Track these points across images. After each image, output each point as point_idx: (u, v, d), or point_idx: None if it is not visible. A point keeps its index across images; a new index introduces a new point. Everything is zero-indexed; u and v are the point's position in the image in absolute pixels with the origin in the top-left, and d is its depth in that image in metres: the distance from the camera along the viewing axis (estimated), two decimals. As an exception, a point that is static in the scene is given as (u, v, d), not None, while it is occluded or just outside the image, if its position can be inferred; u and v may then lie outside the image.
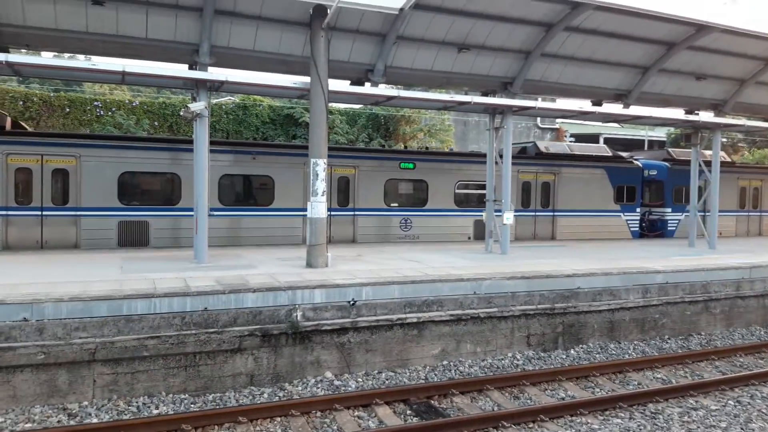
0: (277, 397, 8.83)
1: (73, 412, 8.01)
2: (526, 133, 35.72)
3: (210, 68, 12.82)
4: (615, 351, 11.67)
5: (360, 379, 9.64)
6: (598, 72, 16.59)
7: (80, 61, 13.74)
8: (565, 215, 20.88)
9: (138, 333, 8.63)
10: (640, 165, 22.54)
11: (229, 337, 9.05)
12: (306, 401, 8.40)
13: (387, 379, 9.68)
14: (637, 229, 22.21)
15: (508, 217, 15.18)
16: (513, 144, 17.10)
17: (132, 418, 7.86)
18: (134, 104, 24.00)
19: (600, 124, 31.17)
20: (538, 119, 35.59)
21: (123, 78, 12.33)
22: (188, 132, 20.61)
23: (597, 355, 11.37)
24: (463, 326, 10.74)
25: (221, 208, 16.40)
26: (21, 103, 22.49)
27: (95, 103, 23.59)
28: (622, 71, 16.86)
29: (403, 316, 10.25)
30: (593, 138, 38.06)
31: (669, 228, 22.71)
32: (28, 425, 7.66)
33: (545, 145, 22.38)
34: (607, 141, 37.01)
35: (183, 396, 8.63)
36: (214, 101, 12.68)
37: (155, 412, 8.09)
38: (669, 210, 22.65)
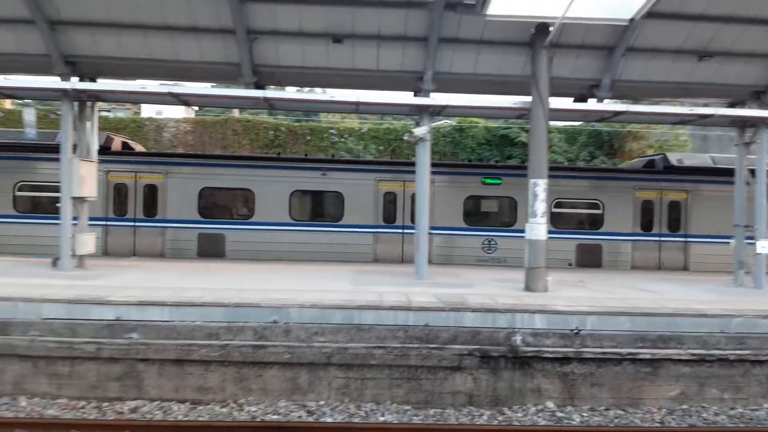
0: (496, 421, 8.71)
1: (312, 409, 8.83)
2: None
3: (431, 93, 13.38)
4: None
5: (585, 414, 9.05)
6: None
7: (321, 94, 15.36)
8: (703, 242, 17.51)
9: (367, 342, 9.24)
10: None
11: (449, 354, 9.20)
12: (529, 430, 8.13)
13: (616, 418, 8.94)
14: None
15: (763, 246, 13.10)
16: (641, 157, 14.71)
17: (361, 422, 8.41)
18: (363, 131, 26.13)
19: None
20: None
21: (357, 107, 13.48)
22: (409, 155, 21.76)
23: None
24: (708, 368, 9.47)
25: (291, 223, 16.81)
26: (271, 132, 25.96)
27: (330, 130, 26.22)
28: None
29: (635, 350, 9.40)
30: None
31: None
32: (275, 417, 8.63)
33: (678, 157, 19.03)
34: None
35: (406, 407, 8.97)
36: (432, 125, 13.18)
37: (381, 419, 8.55)
38: None
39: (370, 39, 12.83)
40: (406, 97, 13.84)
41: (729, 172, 16.89)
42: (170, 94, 12.74)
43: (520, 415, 8.91)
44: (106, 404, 8.89)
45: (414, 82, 13.51)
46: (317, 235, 16.78)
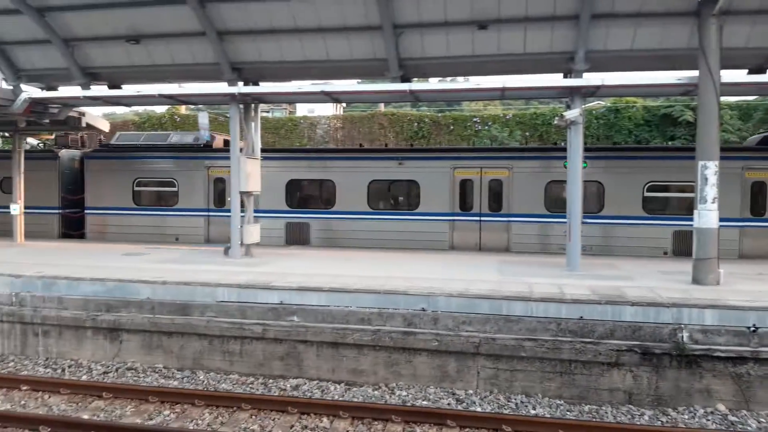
0: (659, 422, 8.11)
1: (460, 398, 8.88)
2: None
3: (584, 74, 12.68)
4: None
5: (762, 419, 8.11)
6: None
7: (466, 82, 15.23)
8: None
9: (516, 333, 9.07)
10: None
11: (606, 349, 8.72)
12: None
13: (803, 427, 7.90)
14: None
15: None
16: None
17: (511, 413, 8.29)
18: (507, 117, 25.53)
19: None
20: None
21: (502, 93, 13.21)
22: (559, 140, 20.84)
23: None
24: None
25: (369, 212, 16.90)
26: (415, 124, 26.32)
27: (474, 119, 25.96)
28: None
29: (829, 352, 8.21)
30: None
31: None
32: (425, 402, 8.81)
33: None
34: None
35: (558, 402, 8.69)
36: (584, 107, 12.48)
37: (533, 412, 8.36)
38: None
39: (516, 22, 12.47)
40: (555, 80, 13.30)
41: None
42: (323, 92, 13.45)
43: (686, 416, 8.22)
44: (271, 381, 9.70)
45: (564, 63, 12.91)
46: (394, 224, 17.01)
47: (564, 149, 16.27)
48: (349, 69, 14.26)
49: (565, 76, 13.04)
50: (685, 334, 8.64)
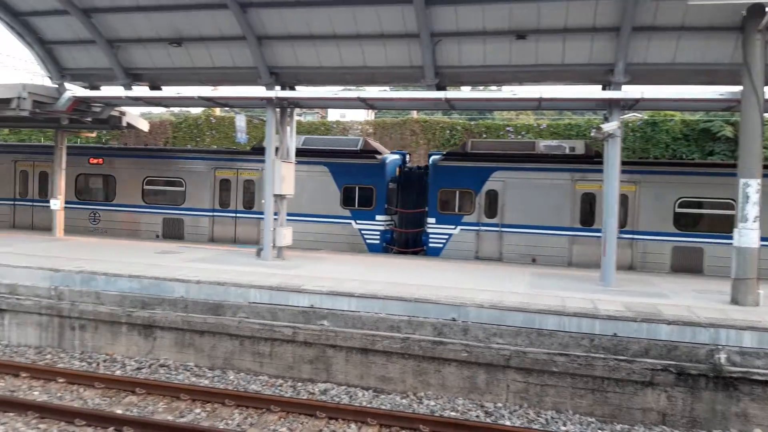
0: (694, 445, 7.93)
1: (489, 410, 8.82)
2: None
3: (623, 86, 12.52)
4: None
5: (804, 448, 7.87)
6: None
7: (502, 92, 15.18)
8: None
9: (548, 347, 8.97)
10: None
11: (640, 368, 8.57)
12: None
13: None
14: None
15: None
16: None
17: (541, 428, 8.20)
18: (541, 127, 25.28)
19: None
20: None
21: (539, 104, 13.10)
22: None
23: None
24: None
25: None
26: (447, 131, 26.27)
27: (507, 128, 25.78)
28: None
29: None
30: None
31: None
32: (453, 414, 8.77)
33: None
34: None
35: (590, 419, 8.57)
36: (621, 119, 12.32)
37: (563, 429, 8.26)
38: None
39: (555, 33, 12.42)
40: (594, 91, 13.16)
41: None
42: (359, 98, 13.52)
43: (723, 441, 8.02)
44: (300, 384, 9.76)
45: (602, 75, 12.80)
46: None
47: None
48: (384, 75, 14.33)
49: (603, 88, 12.88)
50: (723, 356, 8.44)
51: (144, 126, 18.78)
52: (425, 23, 12.42)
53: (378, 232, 17.19)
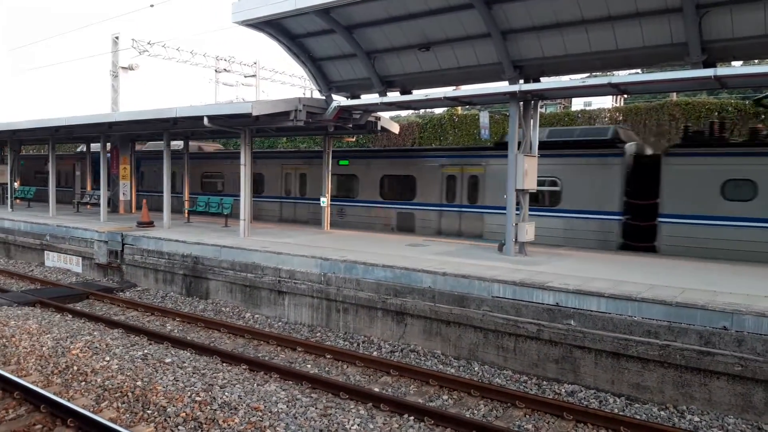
0: None
1: (772, 436, 7.55)
2: None
3: None
4: None
5: None
6: None
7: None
8: None
9: None
10: None
11: None
12: None
13: None
14: None
15: None
16: None
17: None
18: None
19: None
20: None
21: None
22: None
23: None
24: None
25: None
26: (716, 113, 23.04)
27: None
28: None
29: None
30: None
31: None
32: (722, 434, 7.72)
33: None
34: None
35: None
36: None
37: None
38: None
39: None
40: None
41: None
42: (609, 84, 12.63)
43: None
44: (545, 383, 9.57)
45: None
46: None
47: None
48: (639, 57, 13.13)
49: None
50: None
51: (395, 128, 20.24)
52: (690, -6, 11.10)
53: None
